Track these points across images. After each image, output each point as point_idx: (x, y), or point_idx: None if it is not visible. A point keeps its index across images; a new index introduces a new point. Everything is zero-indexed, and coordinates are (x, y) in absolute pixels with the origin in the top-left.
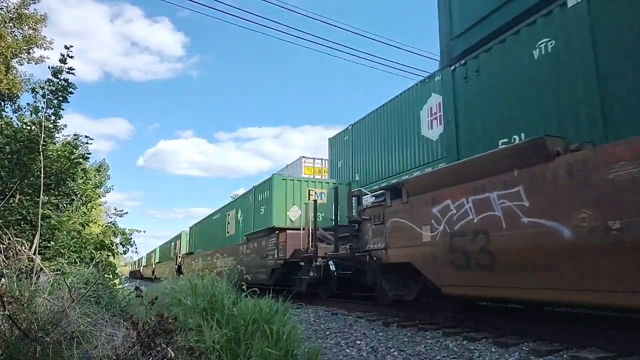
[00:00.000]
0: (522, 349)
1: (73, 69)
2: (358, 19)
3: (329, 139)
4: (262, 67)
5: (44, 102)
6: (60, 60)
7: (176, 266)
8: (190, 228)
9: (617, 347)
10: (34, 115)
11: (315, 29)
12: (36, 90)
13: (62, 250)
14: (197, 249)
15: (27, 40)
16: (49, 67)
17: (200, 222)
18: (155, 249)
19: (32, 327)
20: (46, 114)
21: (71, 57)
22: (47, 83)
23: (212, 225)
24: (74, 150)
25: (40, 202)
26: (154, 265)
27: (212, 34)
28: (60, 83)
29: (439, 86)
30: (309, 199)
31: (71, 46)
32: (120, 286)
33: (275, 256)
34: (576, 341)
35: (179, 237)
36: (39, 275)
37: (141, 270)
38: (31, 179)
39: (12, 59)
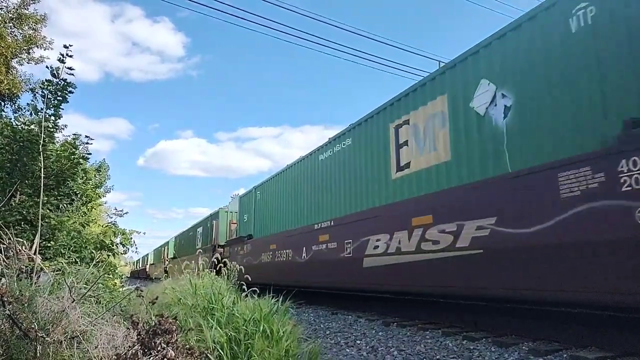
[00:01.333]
0: (522, 348)
1: (72, 69)
2: (358, 19)
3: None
4: (262, 67)
5: (43, 102)
6: (58, 60)
7: (213, 262)
8: (242, 198)
9: (617, 347)
10: (33, 115)
11: (315, 29)
12: (35, 90)
13: (62, 250)
14: (266, 229)
15: (27, 40)
16: (47, 67)
17: (279, 175)
18: (167, 242)
19: (33, 326)
20: (46, 114)
21: (70, 56)
22: (46, 83)
23: (335, 164)
24: (74, 151)
25: (41, 202)
26: (166, 263)
27: (213, 34)
28: (59, 83)
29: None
30: None
31: (70, 45)
32: (122, 289)
33: None
34: (576, 341)
35: (215, 216)
36: (39, 275)
37: (147, 270)
38: (31, 179)
39: (12, 59)
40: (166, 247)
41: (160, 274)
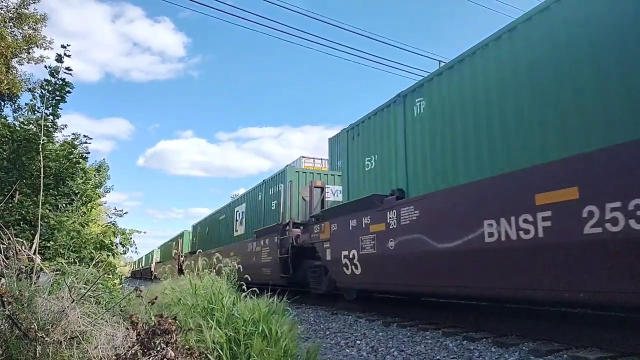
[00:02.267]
0: (522, 349)
1: (70, 69)
2: (358, 19)
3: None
4: (263, 67)
5: (42, 102)
6: (56, 59)
7: (284, 253)
8: (353, 130)
9: (617, 347)
10: (31, 115)
11: (315, 29)
12: (33, 90)
13: (61, 250)
14: (450, 176)
15: (27, 40)
16: (45, 67)
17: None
18: (182, 233)
19: (32, 327)
20: (44, 114)
21: (68, 55)
22: (44, 83)
23: None
24: (72, 150)
25: (40, 202)
26: (182, 258)
27: (213, 34)
28: (57, 82)
29: None
30: None
31: (68, 45)
32: (120, 287)
33: None
34: (576, 341)
35: (278, 180)
36: (39, 275)
37: (153, 269)
38: (30, 178)
39: (12, 58)
40: (180, 240)
41: (170, 274)
